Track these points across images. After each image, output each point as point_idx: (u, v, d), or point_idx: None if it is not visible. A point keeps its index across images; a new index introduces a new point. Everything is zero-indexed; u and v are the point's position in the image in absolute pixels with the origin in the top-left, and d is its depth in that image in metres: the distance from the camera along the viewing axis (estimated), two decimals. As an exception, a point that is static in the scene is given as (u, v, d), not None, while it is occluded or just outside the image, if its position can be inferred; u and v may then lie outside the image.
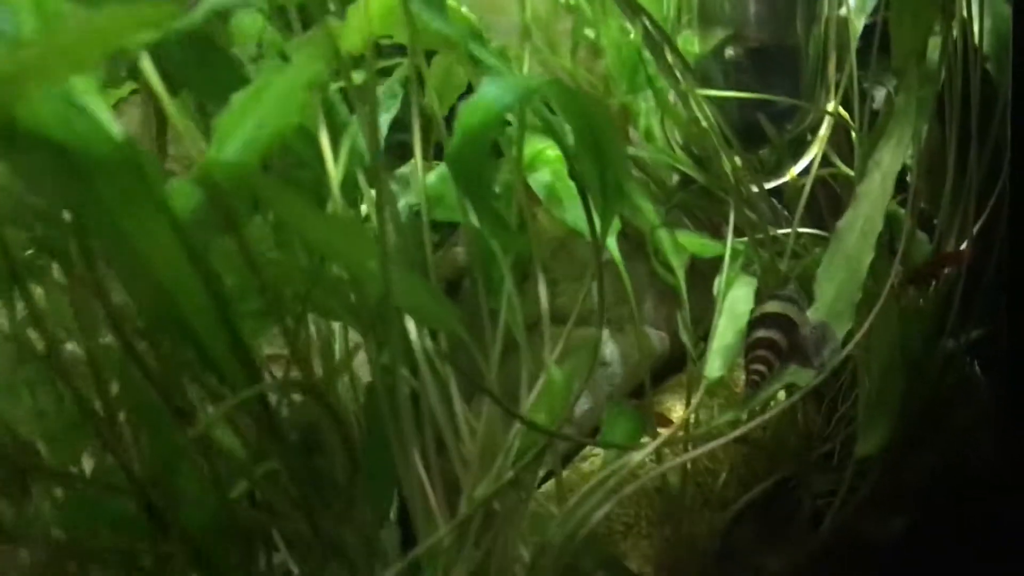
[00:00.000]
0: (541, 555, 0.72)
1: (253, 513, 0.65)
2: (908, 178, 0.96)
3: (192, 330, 0.57)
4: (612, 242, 0.80)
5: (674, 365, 1.02)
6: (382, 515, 0.70)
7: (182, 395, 0.60)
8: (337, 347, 0.74)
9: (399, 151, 0.87)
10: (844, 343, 0.86)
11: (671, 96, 0.80)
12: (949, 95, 0.93)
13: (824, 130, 0.91)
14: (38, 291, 0.61)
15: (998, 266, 1.02)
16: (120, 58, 0.67)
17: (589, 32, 0.84)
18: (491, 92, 0.61)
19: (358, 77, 0.82)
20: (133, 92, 0.77)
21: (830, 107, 0.90)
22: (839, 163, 0.94)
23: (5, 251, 0.54)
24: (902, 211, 0.96)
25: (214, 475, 0.62)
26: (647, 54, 0.77)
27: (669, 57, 0.75)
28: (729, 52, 0.87)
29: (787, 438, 0.95)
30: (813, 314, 0.88)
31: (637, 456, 0.74)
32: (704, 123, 0.79)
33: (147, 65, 0.61)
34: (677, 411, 0.96)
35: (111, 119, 0.55)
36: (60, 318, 0.59)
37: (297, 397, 0.70)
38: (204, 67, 0.74)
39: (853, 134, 0.91)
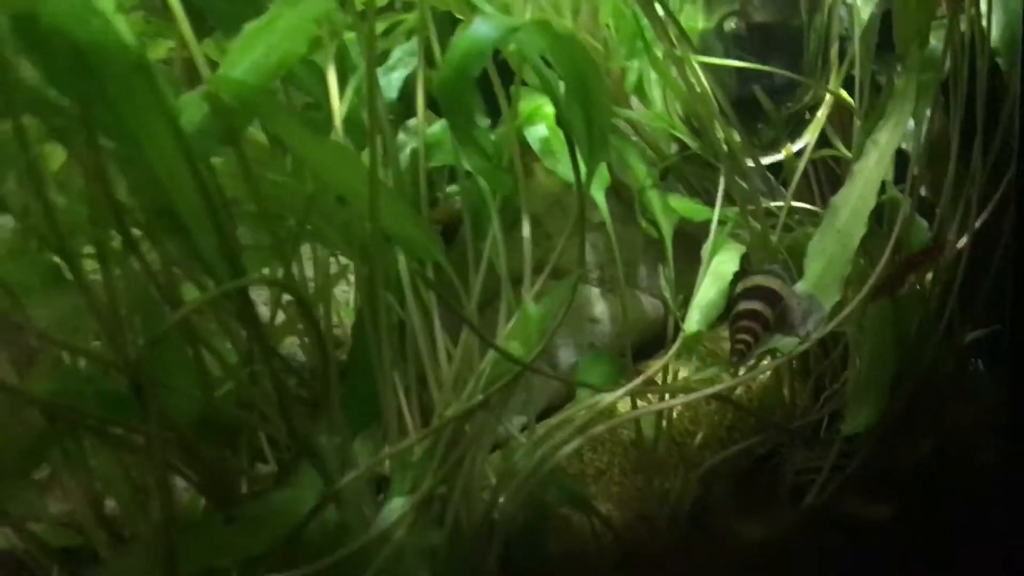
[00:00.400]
0: (506, 479, 0.76)
1: (236, 411, 0.70)
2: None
3: (185, 226, 0.63)
4: (601, 198, 0.83)
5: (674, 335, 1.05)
6: (358, 426, 0.75)
7: (173, 286, 0.65)
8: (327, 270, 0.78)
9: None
10: (833, 317, 0.89)
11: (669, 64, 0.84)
12: (954, 84, 0.95)
13: (823, 110, 0.93)
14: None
15: (1004, 260, 1.03)
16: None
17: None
18: (479, 29, 0.66)
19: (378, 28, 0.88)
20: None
21: (831, 88, 0.93)
22: (838, 143, 0.96)
23: (24, 140, 0.60)
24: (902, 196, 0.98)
25: (200, 370, 0.68)
26: (645, 20, 0.81)
27: (664, 23, 0.79)
28: (730, 26, 0.90)
29: (772, 407, 0.97)
30: (802, 286, 0.91)
31: (608, 397, 0.78)
32: (699, 91, 0.82)
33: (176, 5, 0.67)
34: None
35: (126, 27, 0.61)
36: (72, 210, 0.65)
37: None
38: (232, 6, 0.79)
39: (853, 115, 0.94)
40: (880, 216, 1.00)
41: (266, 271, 0.74)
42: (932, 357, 1.04)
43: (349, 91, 0.77)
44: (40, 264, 0.67)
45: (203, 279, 0.65)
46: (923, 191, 1.07)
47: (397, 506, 0.71)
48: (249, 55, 0.69)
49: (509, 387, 0.74)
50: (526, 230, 0.78)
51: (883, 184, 1.00)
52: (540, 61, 0.72)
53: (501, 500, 0.76)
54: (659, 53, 0.85)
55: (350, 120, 0.79)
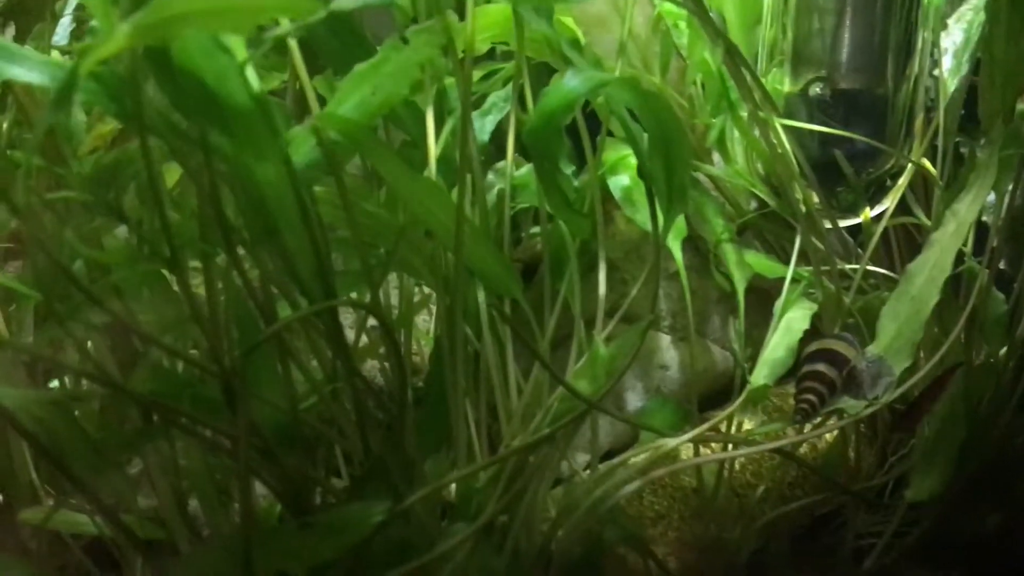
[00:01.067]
0: (566, 513, 0.78)
1: (317, 424, 0.74)
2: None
3: (286, 248, 0.68)
4: (677, 248, 0.86)
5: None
6: (428, 449, 0.78)
7: (269, 303, 0.70)
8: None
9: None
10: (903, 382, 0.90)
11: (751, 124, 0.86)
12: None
13: (904, 178, 0.95)
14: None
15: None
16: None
17: (680, 53, 0.91)
18: (570, 82, 0.70)
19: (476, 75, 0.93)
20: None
21: (913, 156, 0.95)
22: (919, 211, 0.98)
23: (149, 158, 0.66)
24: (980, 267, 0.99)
25: (287, 383, 0.72)
26: (731, 80, 0.84)
27: (749, 84, 0.82)
28: (815, 91, 0.93)
29: (836, 468, 0.98)
30: (873, 349, 0.92)
31: (671, 442, 0.80)
32: (779, 151, 0.85)
33: (293, 44, 0.73)
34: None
35: (251, 70, 0.66)
36: (184, 226, 0.71)
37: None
38: (344, 48, 0.85)
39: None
40: (957, 286, 1.01)
41: (354, 295, 0.79)
42: (1003, 430, 1.04)
43: (445, 132, 0.82)
44: (150, 273, 0.72)
45: (297, 298, 0.70)
46: (1002, 264, 1.07)
47: (459, 529, 0.75)
48: (356, 94, 0.75)
49: (574, 424, 0.77)
50: (602, 274, 0.81)
51: (961, 255, 1.01)
52: (626, 114, 0.76)
53: (560, 533, 0.78)
54: (743, 113, 0.88)
55: (444, 159, 0.84)
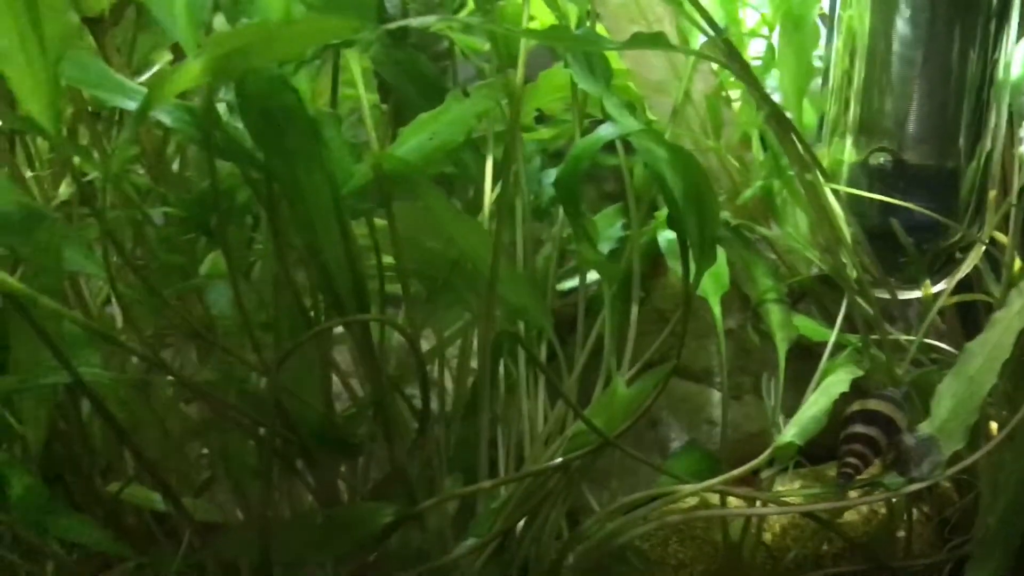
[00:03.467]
0: (575, 540, 0.82)
1: (348, 429, 0.82)
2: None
3: (327, 268, 0.76)
4: (716, 303, 0.89)
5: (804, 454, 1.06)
6: (454, 467, 0.84)
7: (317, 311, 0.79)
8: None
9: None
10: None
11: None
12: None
13: (974, 254, 0.94)
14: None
15: None
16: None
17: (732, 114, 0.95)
18: (597, 132, 0.76)
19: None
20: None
21: (985, 232, 0.94)
22: (994, 288, 0.96)
23: (215, 180, 0.76)
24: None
25: (326, 388, 0.80)
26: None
27: (799, 149, 0.85)
28: (878, 161, 0.93)
29: (883, 543, 0.96)
30: (926, 426, 0.91)
31: (686, 488, 0.82)
32: (830, 217, 0.87)
33: (356, 68, 0.82)
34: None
35: (309, 101, 0.76)
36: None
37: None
38: (420, 96, 0.94)
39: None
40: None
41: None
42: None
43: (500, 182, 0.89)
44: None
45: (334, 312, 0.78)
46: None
47: (471, 542, 0.80)
48: (415, 137, 0.84)
49: (591, 456, 0.80)
50: (633, 316, 0.85)
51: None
52: (662, 168, 0.80)
53: (570, 560, 0.82)
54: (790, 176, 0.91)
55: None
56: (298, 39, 0.71)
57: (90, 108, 0.84)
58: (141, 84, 0.75)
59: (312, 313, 0.80)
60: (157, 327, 0.84)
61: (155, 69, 0.93)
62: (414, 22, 0.78)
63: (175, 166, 0.89)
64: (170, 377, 0.79)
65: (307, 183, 0.75)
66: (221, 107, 0.82)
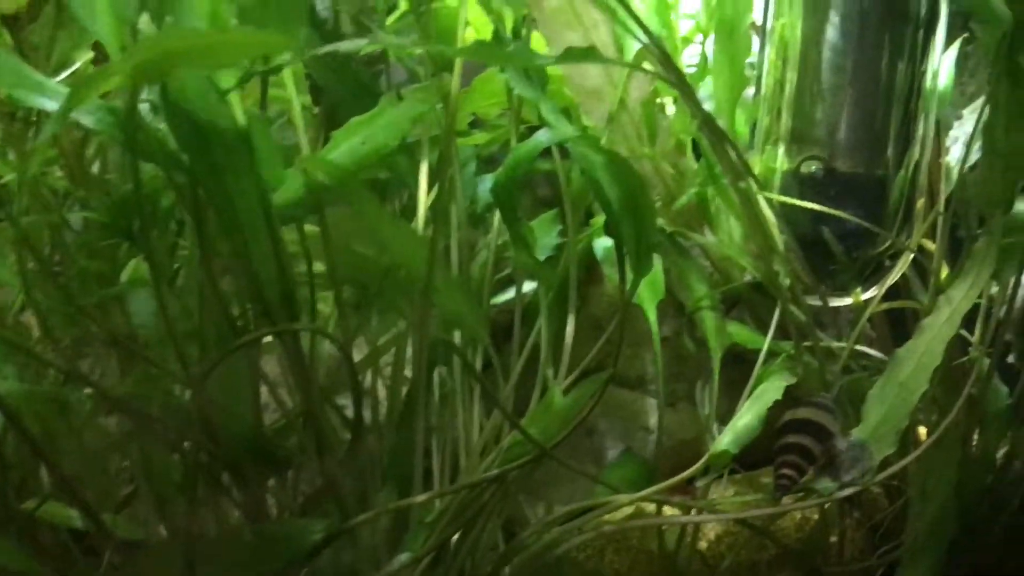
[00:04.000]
0: (513, 552, 0.81)
1: (277, 442, 0.79)
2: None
3: (256, 275, 0.74)
4: (652, 311, 0.89)
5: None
6: (388, 480, 0.82)
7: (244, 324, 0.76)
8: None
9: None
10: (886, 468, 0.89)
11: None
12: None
13: (903, 261, 0.95)
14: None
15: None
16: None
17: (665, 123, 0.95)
18: (535, 138, 0.75)
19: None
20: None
21: (913, 240, 0.95)
22: (922, 296, 0.97)
23: (138, 184, 0.73)
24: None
25: (255, 399, 0.78)
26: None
27: (732, 157, 0.85)
28: (809, 169, 0.94)
29: (817, 549, 0.97)
30: (857, 433, 0.92)
31: (621, 499, 0.82)
32: (762, 225, 0.87)
33: (287, 75, 0.80)
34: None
35: (238, 106, 0.73)
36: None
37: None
38: (353, 99, 0.92)
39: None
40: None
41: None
42: (1004, 532, 1.00)
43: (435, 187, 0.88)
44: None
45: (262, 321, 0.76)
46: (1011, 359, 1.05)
47: (405, 557, 0.78)
48: (347, 141, 0.81)
49: (528, 467, 0.79)
50: (570, 327, 0.85)
51: (966, 343, 1.00)
52: (599, 175, 0.80)
53: (506, 571, 0.81)
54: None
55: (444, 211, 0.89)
56: (228, 51, 0.68)
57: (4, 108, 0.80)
58: (61, 83, 0.72)
59: (240, 322, 0.78)
60: (75, 337, 0.81)
61: (75, 68, 0.90)
62: (343, 46, 0.75)
63: (95, 168, 0.85)
64: (88, 390, 0.75)
65: (234, 189, 0.73)
66: (145, 107, 0.80)
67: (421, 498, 0.77)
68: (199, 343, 0.77)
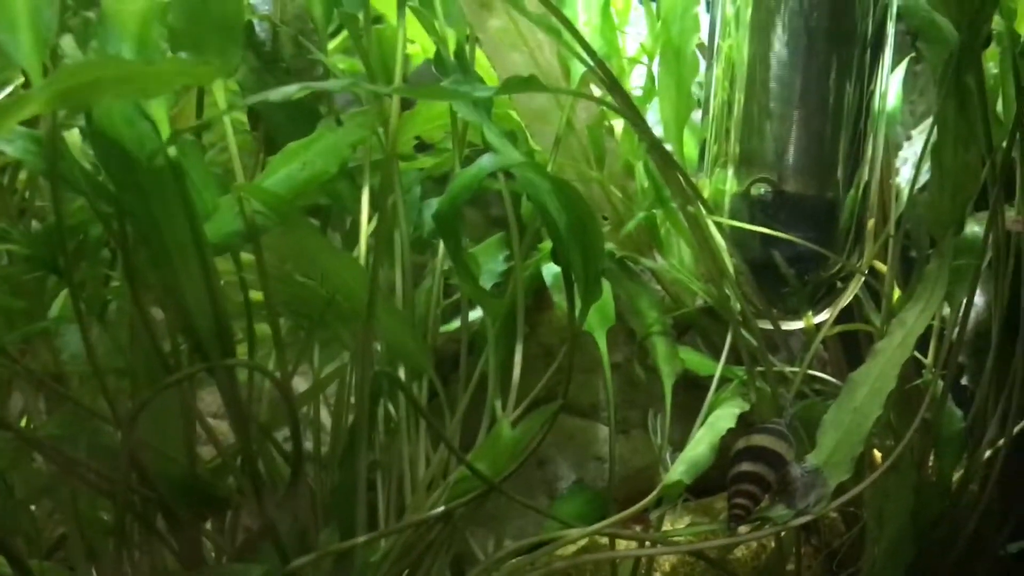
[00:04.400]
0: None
1: (212, 482, 0.76)
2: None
3: (187, 308, 0.71)
4: (602, 338, 0.87)
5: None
6: (331, 518, 0.79)
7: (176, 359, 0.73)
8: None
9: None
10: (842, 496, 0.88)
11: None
12: (996, 274, 0.94)
13: (854, 284, 0.94)
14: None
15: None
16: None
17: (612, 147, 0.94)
18: (479, 163, 0.73)
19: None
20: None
21: (864, 262, 0.94)
22: (875, 318, 0.96)
23: (61, 215, 0.70)
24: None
25: (188, 439, 0.75)
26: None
27: (681, 181, 0.83)
28: (759, 191, 0.93)
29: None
30: (812, 459, 0.90)
31: (573, 533, 0.79)
32: (712, 249, 0.86)
33: (220, 95, 0.77)
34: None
35: (166, 133, 0.70)
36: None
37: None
38: (290, 122, 0.89)
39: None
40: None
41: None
42: (961, 556, 0.99)
43: (376, 215, 0.85)
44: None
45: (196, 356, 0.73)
46: (964, 380, 1.04)
47: (350, 599, 0.75)
48: (285, 167, 0.79)
49: (476, 503, 0.77)
50: (518, 356, 0.82)
51: (920, 365, 0.99)
52: (545, 201, 0.78)
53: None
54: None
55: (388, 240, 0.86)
56: (156, 81, 0.66)
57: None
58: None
59: (172, 358, 0.75)
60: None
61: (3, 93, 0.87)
62: (275, 95, 0.71)
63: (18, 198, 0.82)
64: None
65: (163, 217, 0.70)
66: (75, 131, 0.77)
67: (364, 538, 0.73)
68: (130, 380, 0.74)
